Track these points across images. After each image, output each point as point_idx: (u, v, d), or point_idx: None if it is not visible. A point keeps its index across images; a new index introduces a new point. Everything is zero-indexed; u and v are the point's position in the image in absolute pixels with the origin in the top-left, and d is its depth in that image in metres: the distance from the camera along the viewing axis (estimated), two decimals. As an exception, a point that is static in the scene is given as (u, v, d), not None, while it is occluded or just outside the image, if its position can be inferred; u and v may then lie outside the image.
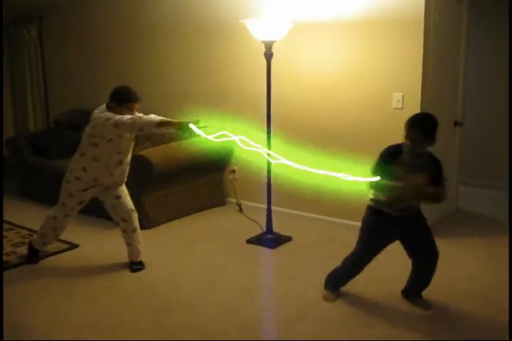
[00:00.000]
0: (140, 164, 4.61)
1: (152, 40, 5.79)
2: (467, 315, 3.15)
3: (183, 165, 4.90)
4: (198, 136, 3.28)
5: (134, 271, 3.86)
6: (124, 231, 3.91)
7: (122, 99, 3.58)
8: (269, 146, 4.33)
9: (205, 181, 5.28)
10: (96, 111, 3.63)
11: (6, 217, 5.04)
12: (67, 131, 6.01)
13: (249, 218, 4.98)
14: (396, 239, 3.19)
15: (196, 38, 5.38)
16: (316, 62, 4.61)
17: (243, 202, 5.34)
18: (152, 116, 3.42)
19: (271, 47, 4.12)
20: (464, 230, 4.64)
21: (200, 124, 3.34)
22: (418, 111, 4.14)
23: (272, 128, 4.23)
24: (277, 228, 4.48)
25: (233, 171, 5.44)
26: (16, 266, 3.95)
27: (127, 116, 3.46)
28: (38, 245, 4.01)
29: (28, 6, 6.92)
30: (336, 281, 3.35)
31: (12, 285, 3.60)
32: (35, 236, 4.10)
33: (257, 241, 4.38)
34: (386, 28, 4.18)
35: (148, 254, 4.13)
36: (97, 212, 4.45)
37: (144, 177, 4.65)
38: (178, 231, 4.71)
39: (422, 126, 2.95)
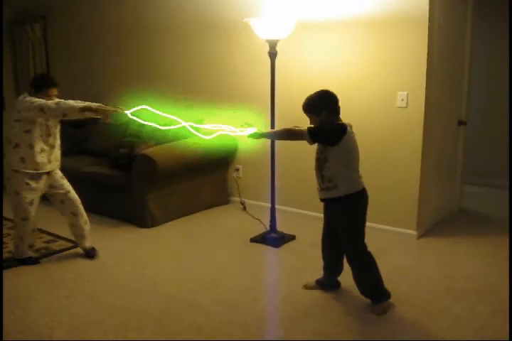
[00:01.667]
0: (144, 163, 4.61)
1: (155, 39, 5.79)
2: (469, 314, 3.13)
3: (186, 163, 4.90)
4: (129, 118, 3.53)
5: (93, 257, 4.05)
6: (73, 225, 4.04)
7: (39, 85, 3.71)
8: (273, 146, 4.34)
9: (208, 180, 5.28)
10: (19, 98, 3.73)
11: (10, 215, 5.06)
12: (71, 130, 6.01)
13: (253, 217, 4.98)
14: None
15: (199, 37, 5.37)
16: (320, 61, 4.60)
17: (247, 201, 5.34)
18: (75, 101, 3.61)
19: (275, 47, 4.11)
20: (468, 229, 4.63)
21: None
22: (422, 109, 4.14)
23: (275, 128, 4.22)
24: (281, 227, 4.48)
25: (237, 169, 5.43)
26: (19, 264, 3.95)
27: (52, 101, 3.60)
28: (24, 253, 3.95)
29: (32, 5, 6.93)
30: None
31: (15, 284, 3.62)
32: (14, 250, 4.00)
33: (260, 239, 4.38)
34: (391, 27, 4.17)
35: (151, 253, 4.14)
36: (101, 210, 4.47)
37: (148, 176, 4.65)
38: (181, 230, 4.71)
39: None
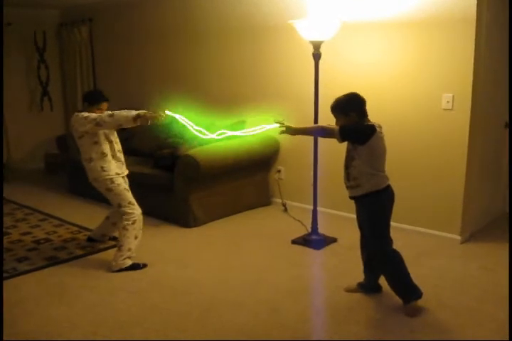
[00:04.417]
0: (187, 164, 4.66)
1: (200, 41, 5.84)
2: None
3: (229, 164, 4.93)
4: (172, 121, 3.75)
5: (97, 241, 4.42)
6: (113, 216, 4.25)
7: (93, 99, 3.95)
8: (316, 147, 4.33)
9: (250, 181, 5.30)
10: (73, 116, 3.91)
11: (56, 213, 5.24)
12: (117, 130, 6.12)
13: (294, 218, 4.98)
14: None
15: (242, 39, 5.41)
16: (363, 62, 4.57)
17: (288, 202, 5.34)
18: (124, 110, 3.78)
19: (319, 48, 4.10)
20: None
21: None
22: (468, 112, 4.07)
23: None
24: (322, 229, 4.46)
25: (279, 171, 5.44)
26: (65, 261, 4.05)
27: (106, 113, 3.78)
28: (131, 257, 3.93)
29: (79, 8, 7.08)
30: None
31: (59, 279, 3.71)
32: (124, 257, 3.88)
33: (302, 241, 4.37)
34: (437, 28, 4.11)
35: (193, 252, 4.17)
36: (144, 209, 4.51)
37: (191, 177, 4.70)
38: (223, 231, 4.74)
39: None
